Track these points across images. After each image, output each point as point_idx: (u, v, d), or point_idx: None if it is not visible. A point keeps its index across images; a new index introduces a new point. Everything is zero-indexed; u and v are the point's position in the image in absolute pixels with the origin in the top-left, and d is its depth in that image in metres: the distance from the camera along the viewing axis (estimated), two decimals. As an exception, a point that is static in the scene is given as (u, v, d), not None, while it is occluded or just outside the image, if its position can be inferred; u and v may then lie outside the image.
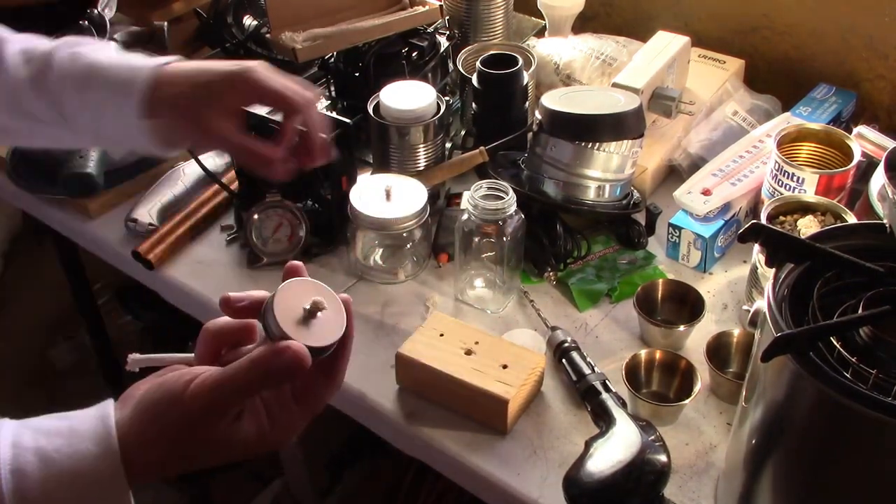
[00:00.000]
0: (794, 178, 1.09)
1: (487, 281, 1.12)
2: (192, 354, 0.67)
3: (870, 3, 1.29)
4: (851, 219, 1.02)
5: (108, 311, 1.90)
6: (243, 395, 0.62)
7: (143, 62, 0.89)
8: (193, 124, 0.87)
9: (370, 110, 1.22)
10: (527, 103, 1.28)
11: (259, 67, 0.88)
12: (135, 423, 0.61)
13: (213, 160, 1.31)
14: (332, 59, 1.36)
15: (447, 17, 1.40)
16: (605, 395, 0.93)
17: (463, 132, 1.31)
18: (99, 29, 1.44)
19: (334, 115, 1.29)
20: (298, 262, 0.67)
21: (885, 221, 0.78)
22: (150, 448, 0.61)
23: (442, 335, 1.01)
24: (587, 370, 0.97)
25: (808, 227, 1.01)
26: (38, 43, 0.92)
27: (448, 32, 1.39)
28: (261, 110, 1.09)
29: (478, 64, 1.25)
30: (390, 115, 1.20)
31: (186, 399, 0.61)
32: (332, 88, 1.41)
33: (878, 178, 1.02)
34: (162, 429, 0.61)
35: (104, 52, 0.91)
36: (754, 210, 1.20)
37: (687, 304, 1.07)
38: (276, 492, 1.62)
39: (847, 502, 0.73)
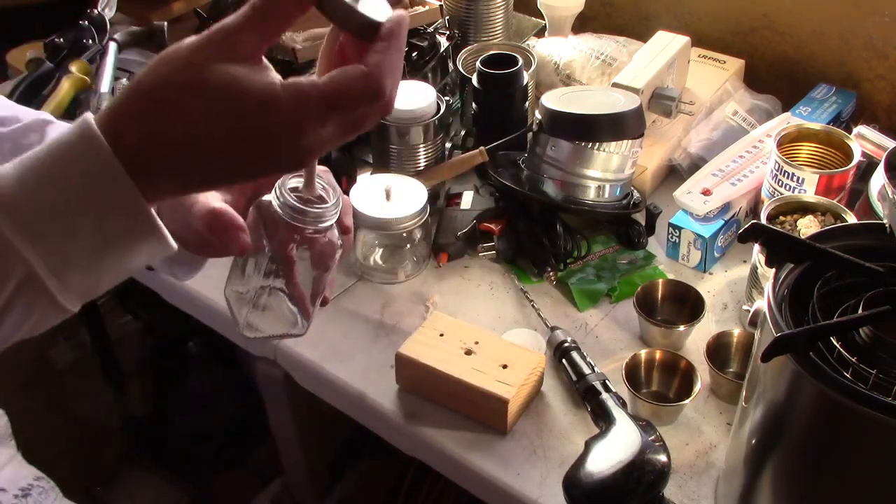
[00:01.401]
0: (794, 178, 1.09)
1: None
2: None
3: (870, 3, 1.29)
4: (851, 219, 1.02)
5: (108, 311, 1.90)
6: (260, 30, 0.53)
7: None
8: None
9: (370, 110, 1.21)
10: (527, 103, 1.28)
11: None
12: (120, 95, 0.54)
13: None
14: (332, 59, 1.36)
15: (447, 17, 1.40)
16: (605, 395, 0.93)
17: (463, 132, 1.31)
18: (99, 29, 1.45)
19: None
20: None
21: (885, 221, 0.78)
22: (134, 101, 0.53)
23: (442, 335, 1.01)
24: (587, 370, 0.97)
25: (808, 227, 1.01)
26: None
27: (448, 32, 1.39)
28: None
29: (478, 64, 1.25)
30: (390, 115, 1.20)
31: (186, 47, 0.52)
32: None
33: (878, 178, 1.02)
34: (151, 82, 0.52)
35: None
36: (754, 210, 1.20)
37: (687, 304, 1.07)
38: (276, 491, 1.62)
39: (847, 502, 0.73)
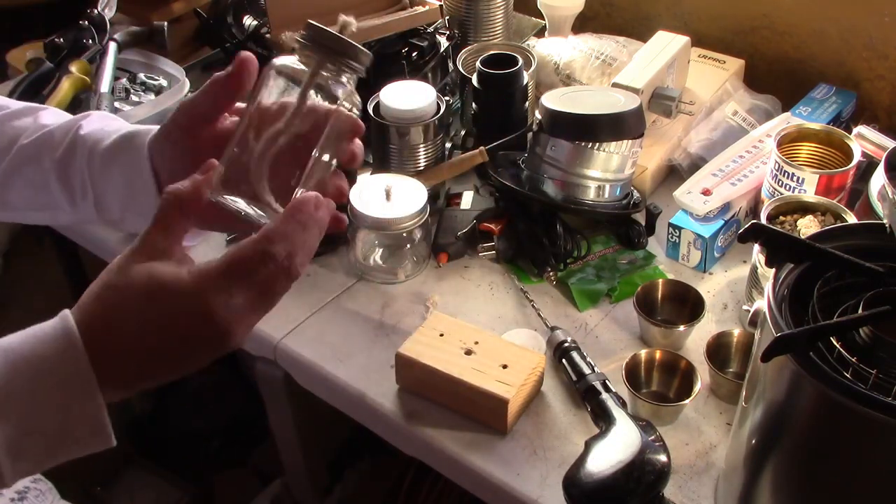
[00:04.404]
0: (794, 178, 1.09)
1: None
2: None
3: (870, 3, 1.29)
4: (851, 219, 1.02)
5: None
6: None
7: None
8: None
9: (370, 110, 1.22)
10: (527, 103, 1.28)
11: None
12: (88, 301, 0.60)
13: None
14: (332, 59, 1.36)
15: (447, 17, 1.40)
16: (605, 395, 0.93)
17: (463, 132, 1.31)
18: (99, 29, 1.45)
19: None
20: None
21: (885, 221, 0.78)
22: (93, 310, 0.58)
23: (442, 335, 1.01)
24: (587, 370, 0.97)
25: (808, 227, 1.01)
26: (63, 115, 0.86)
27: (448, 32, 1.39)
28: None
29: (478, 64, 1.25)
30: (390, 115, 1.20)
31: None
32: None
33: (878, 178, 1.02)
34: (99, 293, 0.59)
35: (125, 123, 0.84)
36: (754, 210, 1.20)
37: (687, 304, 1.07)
38: (276, 491, 1.62)
39: (847, 502, 0.73)
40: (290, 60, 0.65)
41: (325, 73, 0.65)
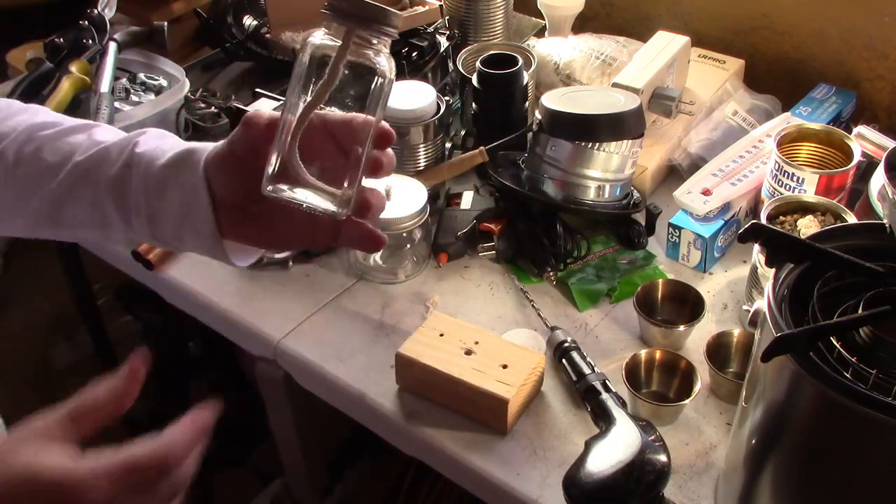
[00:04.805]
0: (794, 178, 1.09)
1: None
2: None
3: (870, 3, 1.29)
4: (851, 219, 1.02)
5: (108, 311, 1.90)
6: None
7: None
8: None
9: (370, 110, 1.22)
10: (527, 103, 1.28)
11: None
12: None
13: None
14: (333, 59, 1.36)
15: (447, 17, 1.40)
16: (605, 395, 0.93)
17: (463, 132, 1.31)
18: (99, 29, 1.45)
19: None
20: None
21: (885, 221, 0.78)
22: None
23: (442, 335, 1.01)
24: (587, 370, 0.97)
25: (808, 227, 1.01)
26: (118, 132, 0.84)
27: (448, 32, 1.39)
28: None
29: (478, 64, 1.25)
30: (390, 116, 1.20)
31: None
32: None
33: (878, 178, 1.02)
34: None
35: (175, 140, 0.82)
36: (754, 210, 1.20)
37: (687, 304, 1.07)
38: (276, 491, 1.62)
39: (847, 502, 0.73)
40: (319, 38, 0.62)
41: (356, 42, 0.61)
